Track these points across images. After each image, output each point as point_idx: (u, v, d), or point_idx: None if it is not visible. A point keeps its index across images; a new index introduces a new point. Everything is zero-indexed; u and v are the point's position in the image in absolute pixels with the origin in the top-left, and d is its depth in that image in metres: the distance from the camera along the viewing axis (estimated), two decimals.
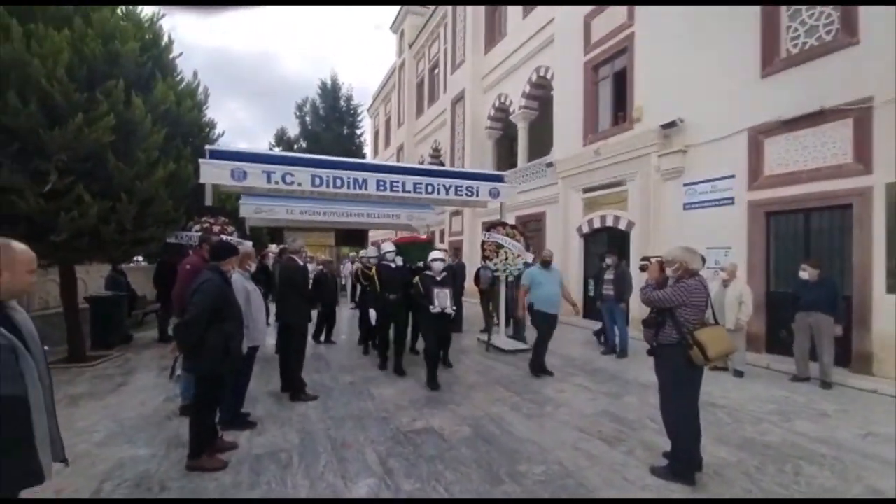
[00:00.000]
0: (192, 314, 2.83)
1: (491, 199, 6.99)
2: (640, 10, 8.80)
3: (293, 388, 4.54)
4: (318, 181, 5.95)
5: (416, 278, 5.11)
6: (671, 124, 7.80)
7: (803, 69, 6.08)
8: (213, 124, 7.27)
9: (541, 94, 13.23)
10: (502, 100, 14.72)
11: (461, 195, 6.67)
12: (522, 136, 14.02)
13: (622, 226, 9.06)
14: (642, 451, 3.36)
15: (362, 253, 6.94)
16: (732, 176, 6.92)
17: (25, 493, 1.49)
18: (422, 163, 21.77)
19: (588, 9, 10.19)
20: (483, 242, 7.09)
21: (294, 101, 43.99)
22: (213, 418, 3.15)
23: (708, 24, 7.35)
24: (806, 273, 5.22)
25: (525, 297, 5.71)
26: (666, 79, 8.13)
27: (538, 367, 5.51)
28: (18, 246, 1.53)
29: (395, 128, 25.99)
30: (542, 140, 13.33)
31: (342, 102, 28.73)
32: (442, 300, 4.83)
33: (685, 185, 7.76)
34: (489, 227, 7.22)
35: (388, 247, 6.10)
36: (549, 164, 11.48)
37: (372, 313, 5.64)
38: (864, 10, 5.49)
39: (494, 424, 3.90)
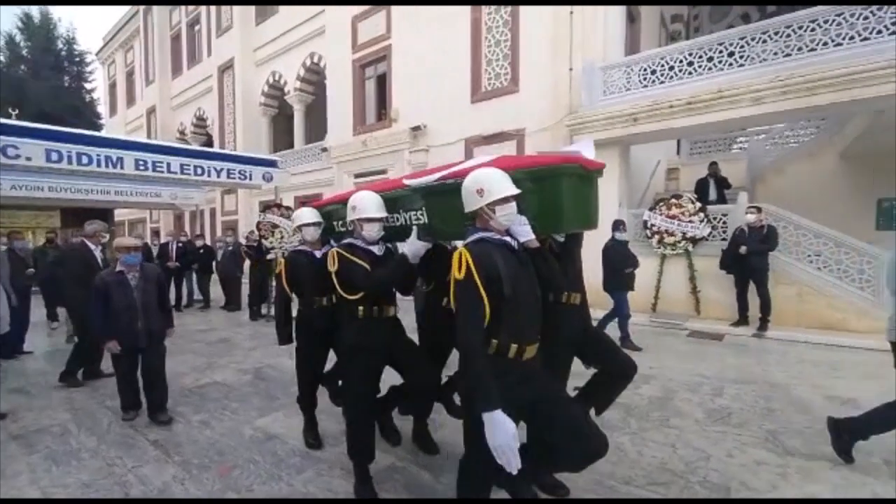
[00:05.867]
0: None
1: (264, 183, 7.57)
2: (396, 26, 10.54)
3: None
4: (55, 157, 5.39)
5: None
6: (417, 128, 9.93)
7: (494, 102, 8.89)
8: None
9: (316, 79, 13.87)
10: (276, 78, 14.65)
11: (234, 178, 7.04)
12: (299, 118, 14.43)
13: None
14: None
15: (271, 218, 3.50)
16: None
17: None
18: (183, 131, 19.33)
19: (356, 11, 11.39)
20: (258, 223, 7.65)
21: None
22: None
23: (443, 53, 9.60)
24: None
25: None
26: (414, 90, 10.17)
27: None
28: None
29: (141, 83, 21.77)
30: (320, 122, 14.05)
31: (60, 45, 22.05)
32: None
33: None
34: (265, 207, 7.81)
35: (370, 206, 2.39)
36: (324, 149, 12.44)
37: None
38: (523, 70, 8.48)
39: (272, 369, 4.90)
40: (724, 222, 6.77)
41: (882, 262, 5.66)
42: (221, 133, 16.36)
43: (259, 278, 7.90)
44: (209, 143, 17.44)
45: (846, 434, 2.73)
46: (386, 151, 10.72)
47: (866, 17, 5.52)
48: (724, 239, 6.60)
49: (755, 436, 3.12)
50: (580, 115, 7.59)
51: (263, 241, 7.59)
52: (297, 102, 14.21)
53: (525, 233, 1.83)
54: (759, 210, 5.99)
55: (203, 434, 3.31)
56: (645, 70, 7.21)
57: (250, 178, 7.23)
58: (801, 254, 6.24)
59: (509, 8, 8.55)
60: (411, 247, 2.27)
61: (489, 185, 1.76)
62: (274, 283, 7.98)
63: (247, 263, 8.34)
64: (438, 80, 9.65)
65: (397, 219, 2.45)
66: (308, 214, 2.94)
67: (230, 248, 8.71)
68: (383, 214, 2.40)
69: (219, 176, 6.81)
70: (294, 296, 3.03)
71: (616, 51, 7.97)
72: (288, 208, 7.97)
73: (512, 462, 1.49)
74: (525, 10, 8.35)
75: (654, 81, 7.10)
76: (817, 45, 5.83)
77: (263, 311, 7.82)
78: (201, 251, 9.02)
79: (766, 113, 6.25)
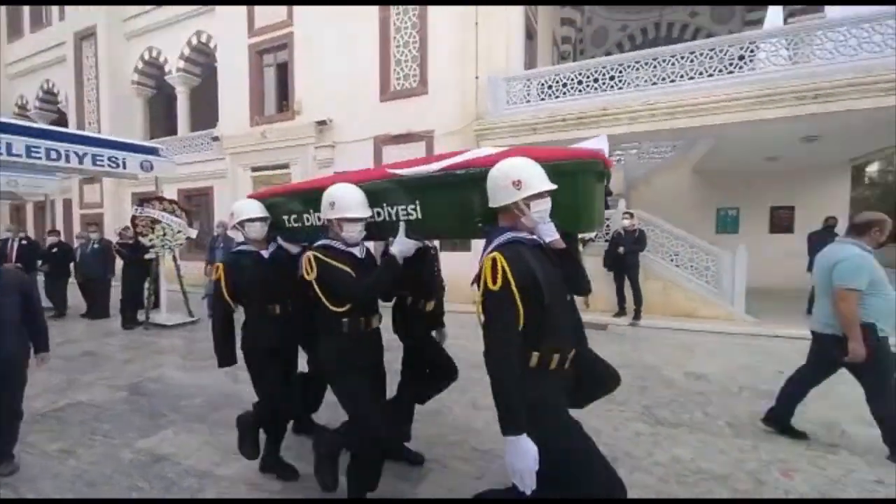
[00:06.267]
0: None
1: (142, 173, 6.62)
2: (299, 14, 9.97)
3: None
4: None
5: None
6: (323, 122, 9.53)
7: (403, 102, 8.91)
8: None
9: (204, 60, 12.50)
10: (153, 54, 12.88)
11: (101, 166, 6.03)
12: (183, 102, 12.88)
13: None
14: None
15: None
16: None
17: None
18: (24, 105, 16.05)
19: None
20: (134, 217, 6.65)
21: None
22: None
23: (350, 48, 9.33)
24: None
25: (857, 312, 2.63)
26: (320, 82, 9.73)
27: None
28: None
29: None
30: (209, 107, 12.62)
31: None
32: None
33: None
34: (142, 200, 6.81)
35: (354, 204, 2.07)
36: (216, 139, 11.28)
37: None
38: (431, 74, 8.63)
39: (154, 383, 4.31)
40: (608, 226, 7.66)
41: (720, 260, 6.93)
42: (80, 111, 13.86)
43: (135, 280, 6.89)
44: (61, 122, 14.64)
45: (779, 423, 3.17)
46: (288, 145, 10.08)
47: (711, 57, 6.69)
48: (606, 240, 7.46)
49: (634, 411, 3.60)
50: (486, 122, 7.97)
51: (141, 238, 6.64)
52: (181, 84, 12.65)
53: (551, 232, 1.59)
54: (632, 215, 6.89)
55: (66, 464, 2.80)
56: (542, 84, 7.84)
57: (124, 167, 6.24)
58: (665, 253, 7.34)
59: (417, 10, 8.65)
60: (400, 246, 2.01)
61: (527, 176, 1.53)
62: (147, 286, 7.08)
63: (119, 264, 7.21)
64: (346, 74, 9.36)
65: (379, 213, 2.14)
66: (253, 208, 2.51)
67: (95, 245, 7.44)
68: (368, 213, 2.08)
69: (81, 162, 5.75)
70: (237, 306, 2.55)
71: (517, 64, 8.53)
72: (172, 202, 7.07)
73: (527, 484, 1.42)
74: (433, 15, 8.52)
75: (549, 95, 7.75)
76: (676, 77, 6.91)
77: (140, 317, 6.82)
78: (54, 250, 7.55)
79: (640, 131, 7.22)
